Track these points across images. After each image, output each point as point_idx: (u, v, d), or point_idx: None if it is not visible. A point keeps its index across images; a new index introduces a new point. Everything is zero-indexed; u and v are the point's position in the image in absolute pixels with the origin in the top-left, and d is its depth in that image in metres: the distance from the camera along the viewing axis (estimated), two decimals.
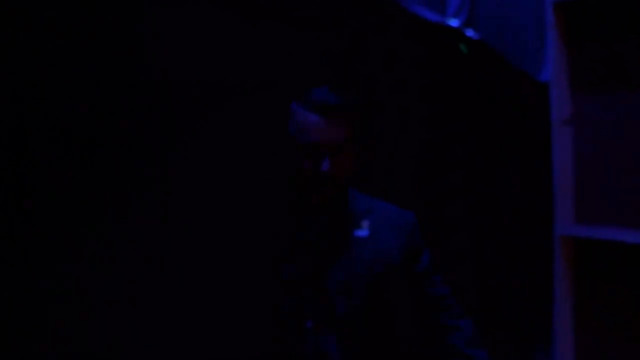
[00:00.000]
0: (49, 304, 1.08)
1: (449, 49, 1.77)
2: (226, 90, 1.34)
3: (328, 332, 1.13)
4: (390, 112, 1.63)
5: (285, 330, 1.14)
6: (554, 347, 1.53)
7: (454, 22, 1.80)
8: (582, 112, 1.54)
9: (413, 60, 1.68)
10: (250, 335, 1.19)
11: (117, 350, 1.17)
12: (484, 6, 1.95)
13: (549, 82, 1.61)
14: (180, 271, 1.27)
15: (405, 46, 1.65)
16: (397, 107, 1.65)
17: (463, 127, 1.81)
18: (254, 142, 1.38)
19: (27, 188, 1.06)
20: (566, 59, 1.56)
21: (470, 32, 1.85)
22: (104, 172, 1.16)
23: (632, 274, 1.39)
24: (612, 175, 1.44)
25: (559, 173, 1.52)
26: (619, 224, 1.40)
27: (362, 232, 1.23)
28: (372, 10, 1.55)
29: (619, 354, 1.43)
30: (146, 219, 1.22)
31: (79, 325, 1.11)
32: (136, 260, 1.19)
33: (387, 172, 1.62)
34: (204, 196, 1.31)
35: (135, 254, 1.20)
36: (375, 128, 1.60)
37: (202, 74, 1.30)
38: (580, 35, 1.56)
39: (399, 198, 1.36)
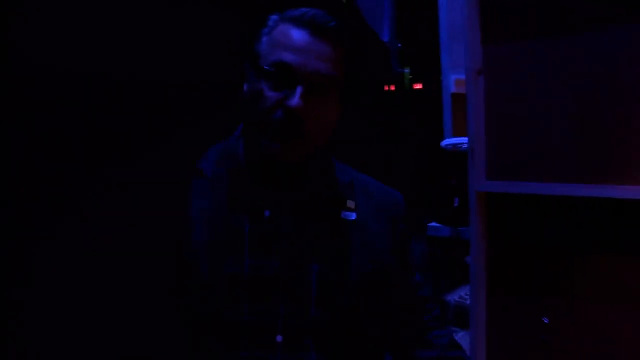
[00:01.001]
0: None
1: None
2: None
3: (304, 347, 0.95)
4: None
5: (245, 347, 0.93)
6: (471, 300, 1.56)
7: None
8: (492, 63, 1.49)
9: None
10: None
11: None
12: None
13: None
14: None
15: None
16: None
17: None
18: None
19: None
20: (477, 8, 1.48)
21: None
22: None
23: (546, 228, 1.44)
24: (525, 129, 1.44)
25: (474, 127, 1.48)
26: (533, 178, 1.42)
27: (349, 214, 0.96)
28: None
29: (530, 305, 1.50)
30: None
31: None
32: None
33: None
34: None
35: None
36: None
37: None
38: None
39: None
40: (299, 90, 0.84)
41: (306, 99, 0.85)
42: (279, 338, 0.89)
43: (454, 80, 3.55)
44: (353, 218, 0.96)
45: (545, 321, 1.44)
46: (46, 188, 0.88)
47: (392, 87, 2.98)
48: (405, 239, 1.05)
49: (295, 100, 0.84)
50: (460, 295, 3.28)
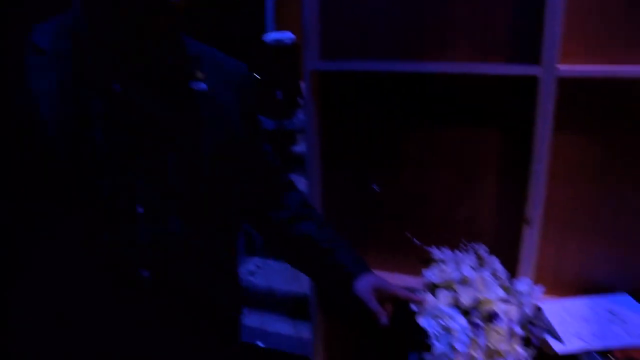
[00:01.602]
0: None
1: None
2: None
3: (166, 216, 0.98)
4: None
5: (106, 223, 0.93)
6: (308, 178, 1.68)
7: None
8: None
9: None
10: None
11: None
12: None
13: None
14: None
15: None
16: None
17: None
18: None
19: None
20: None
21: None
22: None
23: (374, 104, 1.58)
24: (353, 12, 1.53)
25: (308, 12, 1.53)
26: (361, 57, 1.53)
27: (199, 84, 0.98)
28: None
29: (361, 175, 1.65)
30: None
31: None
32: None
33: None
34: None
35: None
36: None
37: None
38: None
39: None
40: None
41: None
42: (139, 209, 0.90)
43: None
44: (203, 88, 0.98)
45: (376, 189, 1.62)
46: None
47: None
48: (253, 108, 1.10)
49: None
50: None
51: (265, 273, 3.06)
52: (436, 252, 1.47)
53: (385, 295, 1.24)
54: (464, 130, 1.49)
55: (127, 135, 0.88)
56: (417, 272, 1.64)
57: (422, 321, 1.32)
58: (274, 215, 1.20)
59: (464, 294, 1.29)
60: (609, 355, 1.26)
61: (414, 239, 1.60)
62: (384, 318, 1.20)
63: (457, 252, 1.46)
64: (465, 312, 1.28)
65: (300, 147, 3.46)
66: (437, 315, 1.29)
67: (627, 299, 1.43)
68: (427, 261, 1.46)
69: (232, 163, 1.01)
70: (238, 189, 1.06)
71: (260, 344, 2.73)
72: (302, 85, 3.64)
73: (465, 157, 1.52)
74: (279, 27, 4.20)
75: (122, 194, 0.88)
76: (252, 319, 2.90)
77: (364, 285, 1.24)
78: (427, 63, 1.46)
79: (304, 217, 1.25)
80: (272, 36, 3.91)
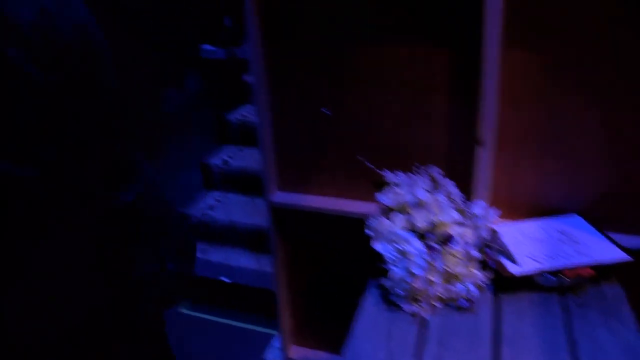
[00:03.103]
0: None
1: None
2: None
3: None
4: None
5: None
6: (256, 96, 1.60)
7: None
8: None
9: None
10: None
11: None
12: None
13: None
14: None
15: None
16: None
17: None
18: None
19: None
20: None
21: None
22: None
23: (321, 18, 1.49)
24: None
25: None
26: None
27: None
28: None
29: (308, 94, 1.59)
30: None
31: None
32: None
33: None
34: None
35: None
36: None
37: None
38: None
39: None
40: None
41: None
42: None
43: None
44: None
45: (326, 112, 1.56)
46: None
47: None
48: None
49: None
50: (242, 113, 3.38)
51: (225, 207, 3.02)
52: (390, 175, 1.42)
53: None
54: (412, 47, 1.42)
55: None
56: (367, 198, 1.62)
57: (377, 246, 1.30)
58: None
59: (419, 217, 1.26)
60: (560, 274, 1.27)
61: (367, 162, 1.56)
62: None
63: (411, 175, 1.43)
64: (421, 236, 1.26)
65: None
66: (393, 240, 1.27)
67: (577, 219, 1.43)
68: (381, 185, 1.42)
69: None
70: None
71: (225, 279, 2.72)
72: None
73: (414, 76, 1.46)
74: None
75: None
76: (215, 255, 2.87)
77: None
78: None
79: None
80: None
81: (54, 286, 0.89)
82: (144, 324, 1.08)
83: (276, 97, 1.60)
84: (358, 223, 1.39)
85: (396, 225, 1.28)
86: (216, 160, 3.16)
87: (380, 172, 1.46)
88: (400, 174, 1.43)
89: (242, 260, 2.81)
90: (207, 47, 3.46)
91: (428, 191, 1.33)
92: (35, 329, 0.89)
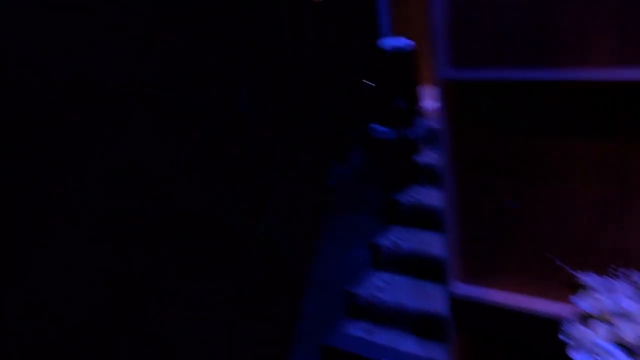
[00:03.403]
0: None
1: None
2: None
3: None
4: None
5: None
6: (444, 183, 1.59)
7: None
8: None
9: None
10: None
11: None
12: None
13: None
14: None
15: None
16: None
17: None
18: None
19: None
20: None
21: None
22: None
23: (513, 112, 1.46)
24: (489, 13, 1.42)
25: (438, 17, 1.45)
26: (494, 64, 1.42)
27: None
28: None
29: (497, 187, 1.55)
30: None
31: None
32: None
33: None
34: None
35: None
36: None
37: None
38: None
39: None
40: None
41: None
42: None
43: None
44: None
45: (512, 205, 1.51)
46: None
47: None
48: None
49: None
50: (412, 194, 3.37)
51: (393, 289, 2.99)
52: (583, 277, 1.32)
53: None
54: (614, 141, 1.34)
55: None
56: (557, 297, 1.51)
57: (577, 356, 1.19)
58: None
59: (626, 330, 1.15)
60: None
61: (557, 261, 1.46)
62: None
63: (608, 278, 1.31)
64: (629, 351, 1.14)
65: (423, 157, 3.34)
66: (595, 352, 1.16)
67: None
68: (573, 287, 1.33)
69: None
70: None
71: None
72: (419, 93, 3.56)
73: (613, 172, 1.36)
74: (395, 33, 4.12)
75: None
76: (381, 336, 2.83)
77: None
78: (568, 70, 1.33)
79: None
80: (390, 43, 3.83)
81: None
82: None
83: (464, 187, 1.59)
84: (546, 324, 1.30)
85: (599, 335, 1.17)
86: (385, 241, 3.16)
87: (572, 272, 1.36)
88: (595, 276, 1.32)
89: (409, 344, 2.74)
90: (378, 127, 3.55)
91: (632, 299, 1.21)
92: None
